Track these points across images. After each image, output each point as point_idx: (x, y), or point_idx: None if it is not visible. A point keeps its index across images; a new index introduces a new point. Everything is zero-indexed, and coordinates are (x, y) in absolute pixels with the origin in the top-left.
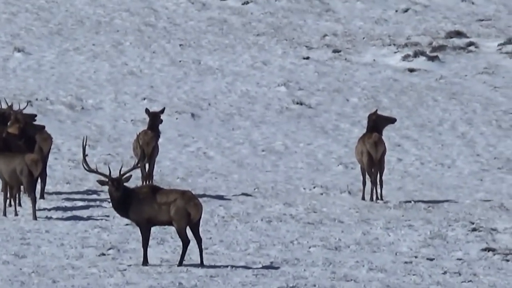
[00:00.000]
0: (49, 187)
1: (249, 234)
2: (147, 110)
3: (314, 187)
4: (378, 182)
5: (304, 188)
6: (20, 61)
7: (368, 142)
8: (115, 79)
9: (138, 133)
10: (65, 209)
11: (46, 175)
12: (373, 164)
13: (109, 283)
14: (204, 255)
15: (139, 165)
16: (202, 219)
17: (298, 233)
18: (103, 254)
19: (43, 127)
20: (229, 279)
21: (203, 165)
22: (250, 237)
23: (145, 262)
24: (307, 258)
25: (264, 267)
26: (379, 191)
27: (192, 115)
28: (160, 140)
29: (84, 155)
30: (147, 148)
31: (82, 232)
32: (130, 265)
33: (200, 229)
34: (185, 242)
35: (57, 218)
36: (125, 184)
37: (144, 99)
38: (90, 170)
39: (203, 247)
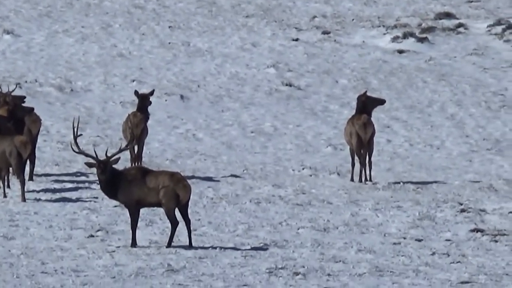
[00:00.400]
0: (38, 169)
1: (238, 216)
2: (136, 92)
3: (303, 169)
4: (367, 164)
5: (293, 170)
6: (9, 43)
7: (357, 123)
8: (104, 61)
9: (128, 115)
10: (54, 191)
11: (35, 157)
12: (362, 146)
13: (98, 264)
14: (192, 236)
15: (128, 147)
16: (191, 200)
17: (287, 214)
18: (92, 236)
19: (32, 109)
20: (218, 260)
21: (192, 147)
22: (238, 218)
23: (134, 243)
24: (295, 239)
25: (252, 249)
26: (368, 172)
27: (181, 97)
28: (149, 122)
29: (75, 136)
30: (136, 130)
31: (70, 213)
32: (118, 247)
33: (189, 211)
34: (174, 224)
35: (46, 200)
36: (113, 166)
37: (133, 81)
38: (79, 152)
39: (192, 228)
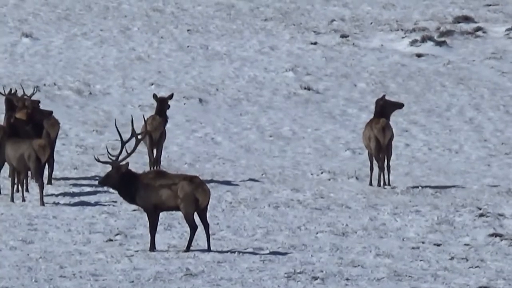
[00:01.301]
0: (56, 173)
1: (256, 220)
2: (155, 96)
3: (322, 173)
4: (385, 168)
5: (312, 174)
6: (28, 46)
7: (375, 127)
8: (123, 64)
9: (146, 119)
10: (72, 194)
11: (53, 160)
12: (381, 150)
13: (116, 268)
14: (211, 240)
15: (135, 148)
16: (209, 204)
17: (306, 218)
18: (110, 240)
19: (51, 112)
20: (236, 264)
21: (210, 151)
22: (257, 222)
23: (153, 248)
24: (314, 243)
25: (271, 253)
26: (386, 176)
27: (200, 100)
28: (168, 126)
29: (126, 141)
30: (155, 134)
31: (89, 217)
32: (137, 251)
33: (208, 215)
34: (193, 228)
35: (65, 204)
36: (131, 169)
37: (152, 84)
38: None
39: (210, 232)
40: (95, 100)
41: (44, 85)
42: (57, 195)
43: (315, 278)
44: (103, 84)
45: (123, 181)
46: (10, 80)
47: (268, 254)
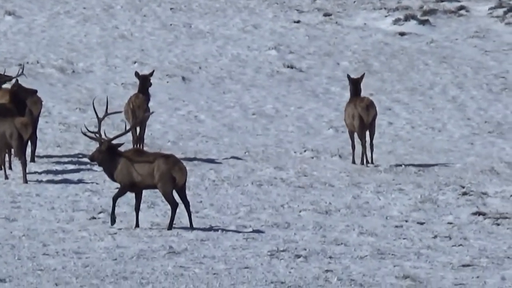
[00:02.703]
0: (39, 151)
1: (240, 198)
2: (137, 73)
3: (305, 151)
4: (368, 146)
5: (295, 152)
6: (10, 24)
7: (360, 105)
8: (106, 42)
9: (130, 97)
10: (55, 172)
11: (36, 138)
12: (364, 128)
13: (100, 246)
14: (194, 218)
15: (131, 128)
16: (192, 182)
17: (289, 196)
18: (94, 218)
19: (36, 91)
20: (220, 242)
21: (193, 129)
22: (240, 200)
23: (113, 217)
24: (297, 222)
25: (254, 231)
26: (369, 154)
27: (183, 78)
28: (151, 104)
29: (102, 118)
30: (139, 112)
31: (72, 195)
32: (120, 229)
33: (189, 193)
34: (174, 206)
35: (48, 182)
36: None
37: (135, 62)
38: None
39: (193, 210)
40: (78, 78)
41: (27, 63)
42: (40, 173)
43: (298, 256)
44: (86, 62)
45: (108, 158)
46: None
47: (251, 232)
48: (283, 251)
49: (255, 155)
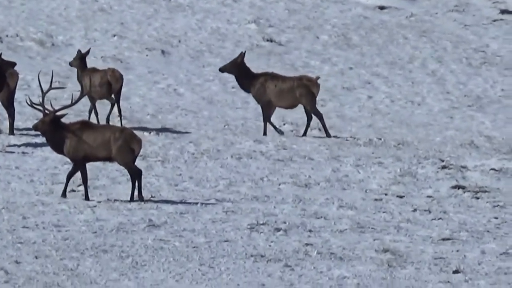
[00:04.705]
0: (19, 123)
1: (219, 171)
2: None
3: (284, 124)
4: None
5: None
6: None
7: (309, 82)
8: (85, 15)
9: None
10: (35, 145)
11: (14, 110)
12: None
13: (79, 219)
14: (173, 191)
15: (79, 100)
16: (172, 155)
17: (268, 170)
18: (73, 191)
19: (15, 63)
20: (199, 215)
21: (173, 102)
22: (220, 173)
23: (87, 197)
24: (277, 195)
25: (234, 204)
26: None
27: (162, 52)
28: (130, 77)
29: (46, 91)
30: (116, 85)
31: (52, 168)
32: (100, 202)
33: (169, 165)
34: (137, 173)
35: (27, 154)
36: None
37: (114, 36)
38: (31, 105)
39: (172, 183)
40: (57, 51)
41: (7, 36)
42: (19, 146)
43: (278, 230)
44: (65, 36)
45: (51, 129)
46: None
47: (231, 205)
48: (262, 224)
49: (235, 128)
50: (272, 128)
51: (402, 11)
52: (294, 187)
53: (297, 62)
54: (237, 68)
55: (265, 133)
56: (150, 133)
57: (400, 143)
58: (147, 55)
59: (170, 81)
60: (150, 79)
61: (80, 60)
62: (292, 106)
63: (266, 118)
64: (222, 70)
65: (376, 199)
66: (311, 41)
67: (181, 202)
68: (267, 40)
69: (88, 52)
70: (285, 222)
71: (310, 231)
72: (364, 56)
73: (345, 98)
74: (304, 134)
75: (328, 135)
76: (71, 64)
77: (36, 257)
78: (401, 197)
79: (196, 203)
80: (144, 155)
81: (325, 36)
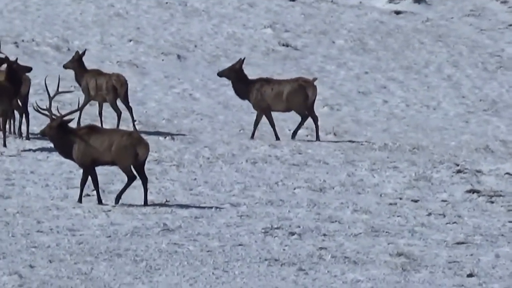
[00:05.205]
0: (34, 128)
1: (234, 175)
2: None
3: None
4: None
5: (289, 130)
6: (6, 2)
7: (308, 85)
8: (101, 20)
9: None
10: (50, 150)
11: (28, 115)
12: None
13: (94, 223)
14: (188, 196)
15: (84, 107)
16: (187, 160)
17: (283, 174)
18: (88, 195)
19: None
20: (214, 220)
21: (188, 107)
22: (235, 178)
23: (100, 201)
24: (291, 199)
25: (248, 208)
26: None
27: (178, 56)
28: (147, 82)
29: (53, 96)
30: (121, 90)
31: (67, 173)
32: (114, 206)
33: (184, 170)
34: (131, 178)
35: (42, 159)
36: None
37: (130, 40)
38: (38, 110)
39: (187, 188)
40: None
41: (23, 41)
42: (34, 151)
43: (292, 234)
44: (81, 40)
45: (59, 134)
46: None
47: (245, 209)
48: (277, 228)
49: (250, 133)
50: (253, 132)
51: (418, 16)
52: (309, 191)
53: (312, 67)
54: (235, 74)
55: (277, 138)
56: (165, 137)
57: (415, 147)
58: (163, 60)
59: (186, 85)
60: (166, 84)
61: (78, 61)
62: (289, 109)
63: (257, 123)
64: (220, 74)
65: (390, 203)
66: (327, 46)
67: (195, 207)
68: (283, 45)
69: (84, 52)
70: (299, 226)
71: (324, 235)
72: (379, 61)
73: (361, 102)
74: (293, 136)
75: (317, 138)
76: (66, 66)
77: (50, 261)
78: (415, 201)
79: (211, 208)
80: (159, 159)
81: (341, 40)
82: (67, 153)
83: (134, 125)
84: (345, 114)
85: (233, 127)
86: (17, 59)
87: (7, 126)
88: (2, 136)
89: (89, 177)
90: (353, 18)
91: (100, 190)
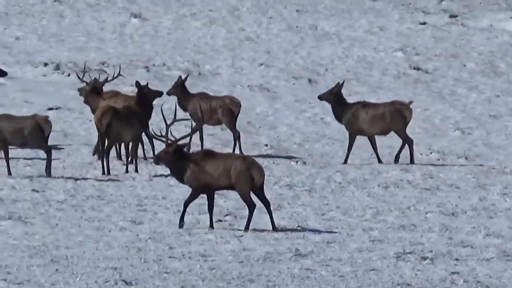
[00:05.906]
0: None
1: (366, 200)
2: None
3: (431, 153)
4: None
5: (421, 154)
6: (137, 27)
7: (404, 108)
8: (232, 44)
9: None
10: None
11: (153, 141)
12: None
13: (226, 249)
14: (320, 221)
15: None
16: (319, 185)
17: (415, 198)
18: (220, 221)
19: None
20: (346, 245)
21: (320, 131)
22: (366, 203)
23: (211, 225)
24: (423, 223)
25: (380, 233)
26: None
27: (309, 80)
28: (277, 106)
29: (170, 124)
30: (237, 111)
31: (198, 198)
32: (246, 231)
33: (316, 195)
34: (251, 206)
35: (174, 185)
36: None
37: (261, 64)
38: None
39: (319, 213)
40: (204, 80)
41: (154, 65)
42: (166, 176)
43: (425, 258)
44: (212, 65)
45: (174, 159)
46: (119, 60)
47: (377, 234)
48: (409, 253)
49: (381, 157)
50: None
51: None
52: (441, 216)
53: (444, 90)
54: (334, 97)
55: (380, 161)
56: (297, 162)
57: None
58: (294, 84)
59: (317, 109)
60: (297, 108)
61: (181, 86)
62: (385, 132)
63: (350, 147)
64: (320, 98)
65: None
66: (458, 69)
67: (327, 231)
68: (414, 68)
69: (186, 78)
70: (431, 251)
71: (456, 259)
72: (511, 84)
73: (492, 126)
74: (396, 160)
75: (411, 161)
76: (170, 92)
77: (183, 287)
78: None
79: (343, 232)
80: (291, 184)
81: (472, 63)
82: (180, 177)
83: (240, 149)
84: (477, 137)
85: (364, 151)
86: (147, 83)
87: (139, 151)
88: (134, 162)
89: (211, 202)
90: (483, 41)
91: (231, 216)
